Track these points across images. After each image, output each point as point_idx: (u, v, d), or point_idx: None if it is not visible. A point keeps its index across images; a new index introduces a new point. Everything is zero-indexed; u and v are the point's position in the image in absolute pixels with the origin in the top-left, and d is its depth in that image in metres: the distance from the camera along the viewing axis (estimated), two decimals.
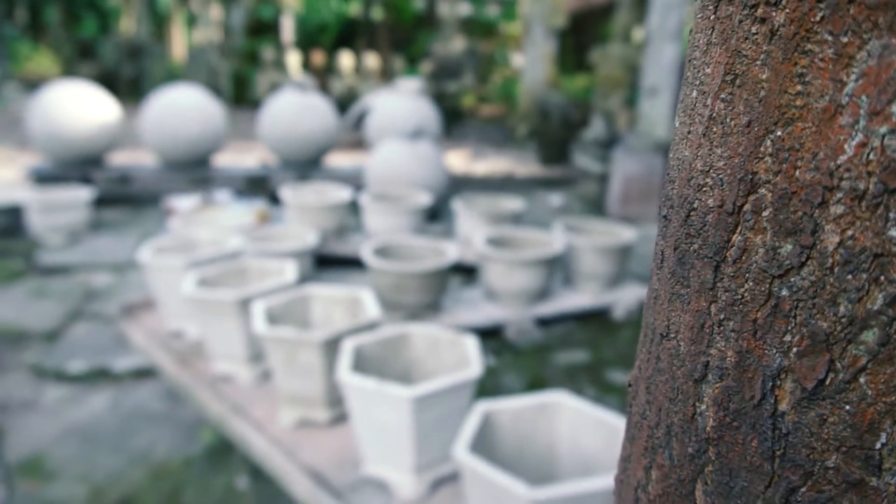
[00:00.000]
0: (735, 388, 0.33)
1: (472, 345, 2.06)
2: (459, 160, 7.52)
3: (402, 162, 4.52)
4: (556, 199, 5.90)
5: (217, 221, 3.69)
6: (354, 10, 13.74)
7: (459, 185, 6.22)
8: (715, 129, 0.34)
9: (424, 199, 4.04)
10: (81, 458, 2.24)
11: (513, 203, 4.02)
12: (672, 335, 0.34)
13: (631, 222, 5.02)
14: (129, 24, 16.63)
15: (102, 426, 2.42)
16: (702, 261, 0.34)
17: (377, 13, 12.66)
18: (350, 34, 12.74)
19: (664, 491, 0.34)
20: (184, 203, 4.62)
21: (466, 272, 3.96)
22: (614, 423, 1.67)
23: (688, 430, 0.34)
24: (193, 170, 5.31)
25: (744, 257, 0.33)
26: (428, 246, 3.30)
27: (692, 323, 0.34)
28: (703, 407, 0.34)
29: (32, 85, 11.84)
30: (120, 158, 6.21)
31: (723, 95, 0.34)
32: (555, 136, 6.44)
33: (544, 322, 3.32)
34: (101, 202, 5.10)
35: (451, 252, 3.14)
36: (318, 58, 11.35)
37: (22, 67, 14.65)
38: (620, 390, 2.80)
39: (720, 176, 0.34)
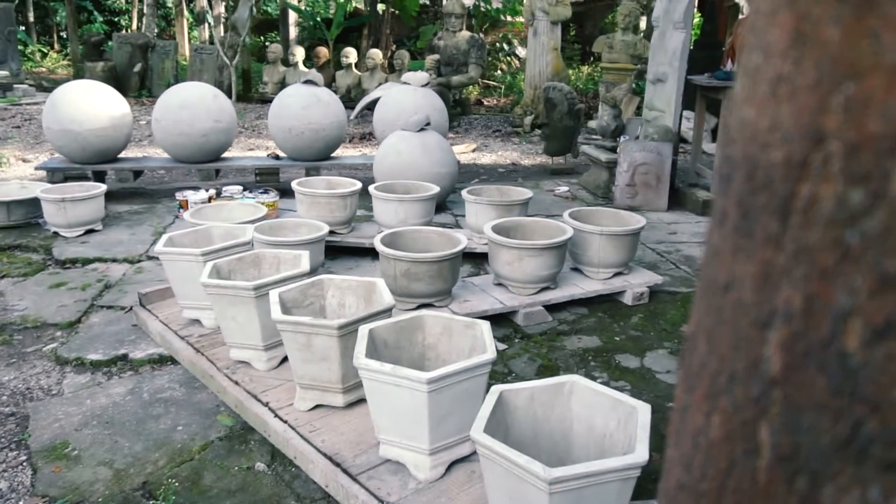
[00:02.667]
0: (802, 332, 0.35)
1: (485, 329, 2.09)
2: (465, 151, 7.54)
3: (410, 153, 4.54)
4: (562, 187, 5.92)
5: (229, 214, 3.73)
6: (359, 4, 13.75)
7: (466, 175, 6.25)
8: (782, 89, 0.36)
9: (433, 189, 4.07)
10: (103, 442, 2.29)
11: (520, 192, 4.04)
12: (736, 286, 0.36)
13: (638, 210, 5.03)
14: (136, 23, 16.69)
15: (123, 412, 2.47)
16: (768, 213, 0.36)
17: (382, 7, 12.66)
18: (355, 28, 12.74)
19: (727, 434, 0.35)
20: (196, 196, 4.66)
21: (475, 261, 4.00)
22: (630, 404, 1.70)
23: (752, 374, 0.35)
24: (204, 164, 5.36)
25: (812, 207, 0.35)
26: (438, 234, 3.33)
27: (757, 273, 0.35)
28: (769, 351, 0.35)
29: (44, 84, 11.91)
30: (132, 154, 6.25)
31: (790, 56, 0.35)
32: (560, 125, 6.45)
33: (554, 308, 3.35)
34: (115, 196, 5.15)
35: (463, 240, 3.17)
36: (324, 52, 11.37)
37: (33, 67, 14.73)
38: (632, 374, 2.83)
39: (787, 132, 0.35)
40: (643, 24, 11.01)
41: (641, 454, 1.53)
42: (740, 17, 8.87)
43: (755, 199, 0.35)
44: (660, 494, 0.38)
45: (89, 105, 4.98)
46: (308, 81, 5.49)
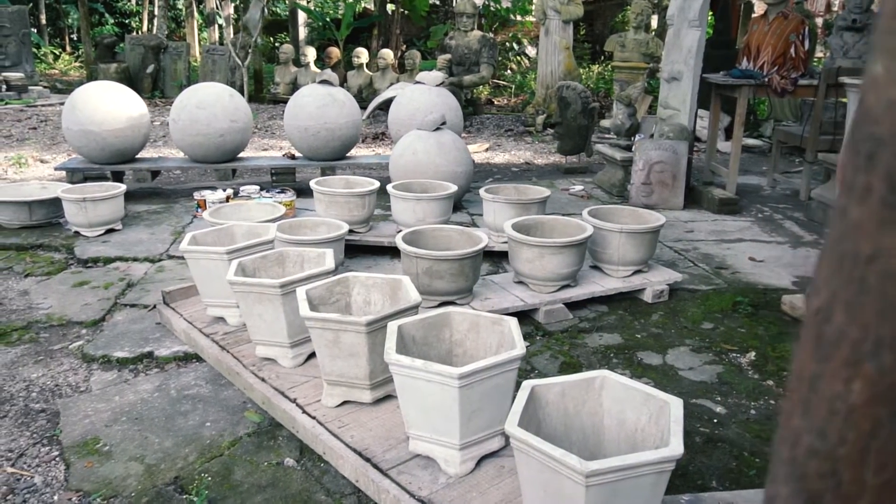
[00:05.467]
0: None
1: (513, 325, 2.10)
2: (478, 151, 7.55)
3: (426, 152, 4.56)
4: (577, 186, 5.92)
5: (247, 213, 3.75)
6: (368, 4, 13.78)
7: (480, 174, 6.26)
8: None
9: (451, 187, 4.08)
10: (133, 438, 2.32)
11: (538, 190, 4.05)
12: (882, 257, 0.37)
13: (654, 209, 5.03)
14: (147, 25, 16.79)
15: (151, 408, 2.50)
16: None
17: (391, 7, 12.68)
18: (365, 28, 12.78)
19: (871, 398, 0.37)
20: (213, 196, 4.70)
21: (493, 259, 4.01)
22: (661, 398, 1.71)
23: None
24: (221, 164, 5.40)
25: None
26: (458, 233, 3.34)
27: None
28: None
29: (57, 86, 12.00)
30: (147, 155, 6.30)
31: None
32: (574, 124, 6.46)
33: (574, 306, 3.36)
34: (134, 196, 5.20)
35: (484, 238, 3.18)
36: (336, 53, 11.41)
37: (47, 69, 14.84)
38: (654, 371, 2.84)
39: None
40: (654, 23, 11.00)
41: (676, 447, 1.54)
42: (753, 15, 8.85)
43: None
44: (780, 465, 0.40)
45: (108, 106, 5.02)
46: (323, 81, 5.51)
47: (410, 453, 2.05)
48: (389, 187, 4.04)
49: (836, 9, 11.72)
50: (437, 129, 4.67)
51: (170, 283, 3.50)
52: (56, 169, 5.44)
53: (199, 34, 15.87)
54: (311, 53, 10.90)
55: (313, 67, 10.80)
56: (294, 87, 10.31)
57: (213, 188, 5.04)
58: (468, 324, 2.20)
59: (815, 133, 5.40)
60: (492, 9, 13.07)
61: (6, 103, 9.90)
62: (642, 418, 1.76)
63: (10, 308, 3.34)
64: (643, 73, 8.26)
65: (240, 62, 9.64)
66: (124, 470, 2.17)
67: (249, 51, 10.09)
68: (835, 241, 0.38)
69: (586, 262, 3.50)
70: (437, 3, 14.16)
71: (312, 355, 2.58)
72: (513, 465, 1.94)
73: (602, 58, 12.71)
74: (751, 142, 7.88)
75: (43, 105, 10.00)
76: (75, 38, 17.64)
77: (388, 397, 2.33)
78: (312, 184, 4.07)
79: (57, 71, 14.94)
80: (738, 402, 2.60)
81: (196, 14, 15.49)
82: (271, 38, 14.81)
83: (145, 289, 3.57)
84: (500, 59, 12.02)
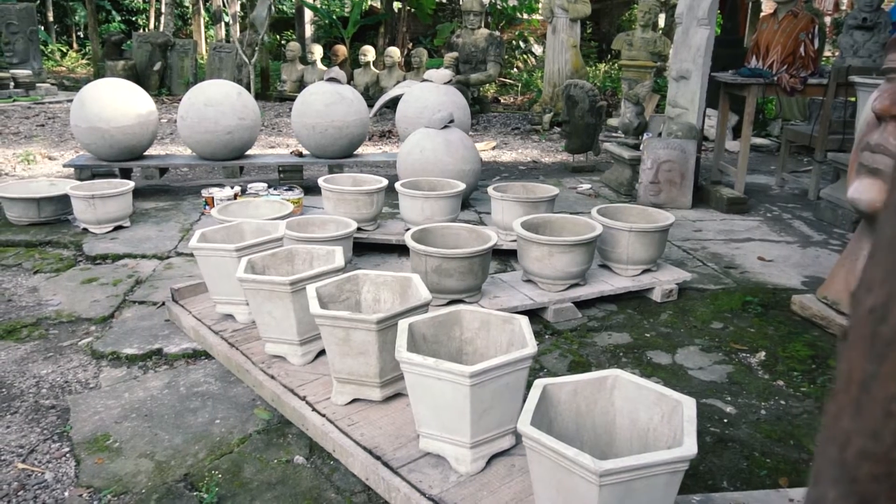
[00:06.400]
0: None
1: (524, 324, 2.09)
2: (485, 149, 7.54)
3: (434, 150, 4.55)
4: (585, 185, 5.91)
5: (255, 210, 3.75)
6: (375, 2, 13.76)
7: (487, 173, 6.25)
8: None
9: (459, 185, 4.07)
10: (143, 434, 2.32)
11: (546, 188, 4.04)
12: None
13: (662, 208, 5.01)
14: (153, 23, 16.81)
15: (161, 405, 2.50)
16: None
17: (398, 5, 12.67)
18: (371, 27, 12.76)
19: None
20: (221, 193, 4.70)
21: (500, 257, 4.00)
22: (674, 398, 1.70)
23: None
24: (229, 161, 5.40)
25: None
26: (467, 231, 3.34)
27: None
28: None
29: (65, 83, 12.02)
30: (154, 152, 6.31)
31: None
32: (582, 123, 6.43)
33: (583, 305, 3.35)
34: (141, 194, 5.21)
35: (493, 236, 3.17)
36: (342, 51, 11.40)
37: (54, 66, 14.88)
38: (664, 370, 2.82)
39: None
40: (662, 22, 10.96)
41: (690, 447, 1.53)
42: (762, 13, 8.81)
43: None
44: (828, 466, 0.39)
45: (116, 103, 5.03)
46: (331, 79, 5.51)
47: (421, 451, 2.05)
48: (397, 185, 4.04)
49: (844, 7, 11.67)
50: (445, 126, 4.66)
51: (178, 281, 3.50)
52: (64, 166, 5.45)
53: (205, 32, 15.89)
54: (317, 51, 10.90)
55: (320, 65, 10.80)
56: (301, 84, 10.31)
57: (221, 185, 5.04)
58: (479, 322, 2.19)
59: (824, 132, 5.38)
60: (499, 7, 13.04)
61: (14, 100, 9.93)
62: (655, 418, 1.75)
63: (19, 304, 3.35)
64: (651, 71, 8.23)
65: (246, 60, 9.65)
66: (134, 466, 2.17)
67: (256, 48, 10.09)
68: (890, 239, 0.37)
69: (595, 260, 3.49)
70: (444, 1, 14.14)
71: (322, 353, 2.58)
72: (523, 464, 1.94)
73: (609, 56, 12.67)
74: (759, 141, 7.84)
75: (50, 102, 10.03)
76: (82, 36, 17.68)
77: (398, 395, 2.33)
78: (321, 181, 4.07)
79: (64, 68, 14.98)
80: (748, 403, 2.59)
81: (203, 11, 15.50)
82: (278, 36, 14.81)
83: (154, 286, 3.57)
84: (506, 57, 12.00)
